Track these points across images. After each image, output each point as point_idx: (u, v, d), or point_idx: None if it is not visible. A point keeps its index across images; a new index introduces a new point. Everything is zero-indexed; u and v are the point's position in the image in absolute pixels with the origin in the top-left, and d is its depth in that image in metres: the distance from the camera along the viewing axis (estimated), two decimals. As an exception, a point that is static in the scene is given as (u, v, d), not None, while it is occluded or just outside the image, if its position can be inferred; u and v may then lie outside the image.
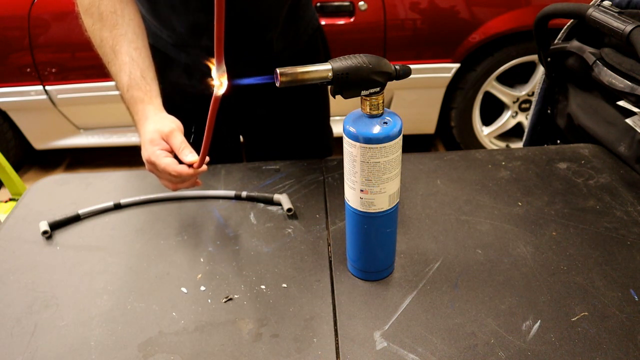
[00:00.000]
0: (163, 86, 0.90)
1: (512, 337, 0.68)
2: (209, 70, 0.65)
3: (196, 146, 0.81)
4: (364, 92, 0.64)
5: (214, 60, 0.64)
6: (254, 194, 0.97)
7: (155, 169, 0.82)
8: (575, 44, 1.12)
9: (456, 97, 2.39)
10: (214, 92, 0.67)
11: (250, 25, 0.99)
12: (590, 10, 0.98)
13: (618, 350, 0.66)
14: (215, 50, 0.62)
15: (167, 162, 0.80)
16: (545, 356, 0.66)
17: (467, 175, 1.01)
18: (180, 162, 0.81)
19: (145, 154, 0.82)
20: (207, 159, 0.81)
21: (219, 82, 0.66)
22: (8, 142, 2.51)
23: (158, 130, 0.81)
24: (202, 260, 0.84)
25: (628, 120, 1.00)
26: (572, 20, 1.14)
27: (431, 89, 2.36)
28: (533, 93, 2.38)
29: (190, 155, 0.80)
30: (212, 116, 0.71)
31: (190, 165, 0.80)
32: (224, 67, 0.65)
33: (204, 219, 0.94)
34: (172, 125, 0.82)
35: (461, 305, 0.73)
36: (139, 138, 0.85)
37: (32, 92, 2.29)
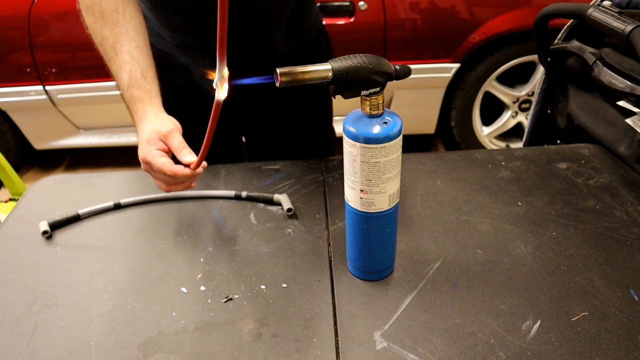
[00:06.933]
0: (163, 86, 0.90)
1: (512, 337, 0.68)
2: (211, 71, 0.65)
3: (195, 148, 0.81)
4: (364, 92, 0.64)
5: (214, 73, 0.64)
6: (254, 194, 0.97)
7: (150, 168, 0.82)
8: (575, 44, 1.12)
9: (456, 97, 2.39)
10: (215, 97, 0.67)
11: (253, 26, 0.99)
12: (590, 10, 0.98)
13: (618, 350, 0.66)
14: (217, 52, 0.62)
15: (162, 162, 0.80)
16: (545, 356, 0.66)
17: (467, 175, 1.01)
18: (177, 163, 0.81)
19: (141, 154, 0.82)
20: (205, 163, 0.81)
21: (220, 87, 0.66)
22: (8, 142, 2.51)
23: (156, 131, 0.81)
24: (202, 260, 0.84)
25: (628, 120, 1.00)
26: (572, 20, 1.14)
27: (431, 89, 2.36)
28: (533, 93, 2.38)
29: (189, 155, 0.80)
30: (213, 121, 0.70)
31: (187, 166, 0.80)
32: (225, 72, 0.65)
33: (204, 219, 0.94)
34: (171, 125, 0.82)
35: (461, 305, 0.73)
36: (137, 137, 0.85)
37: (32, 92, 2.29)
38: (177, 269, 0.83)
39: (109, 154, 2.81)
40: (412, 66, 0.70)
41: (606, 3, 0.99)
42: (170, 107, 0.88)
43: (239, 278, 0.80)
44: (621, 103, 1.02)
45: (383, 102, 0.66)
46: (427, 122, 2.49)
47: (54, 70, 2.25)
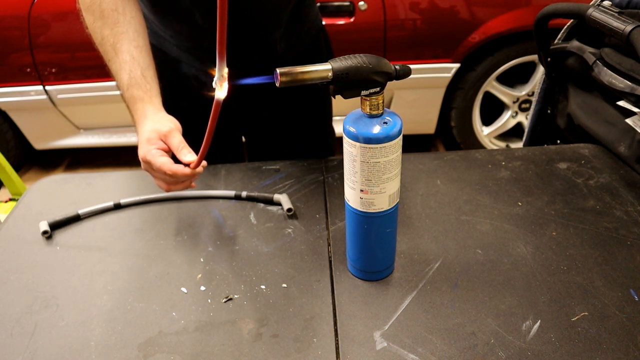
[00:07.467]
0: (163, 86, 0.90)
1: (512, 337, 0.68)
2: (210, 70, 0.65)
3: (195, 148, 0.81)
4: (364, 92, 0.64)
5: (215, 71, 0.64)
6: (254, 194, 0.97)
7: (150, 168, 0.82)
8: (575, 44, 1.12)
9: (456, 97, 2.39)
10: (215, 96, 0.67)
11: (253, 26, 0.99)
12: (590, 10, 0.98)
13: (618, 350, 0.66)
14: (217, 52, 0.62)
15: (162, 161, 0.80)
16: (545, 356, 0.66)
17: (467, 175, 1.01)
18: (177, 162, 0.81)
19: (141, 153, 0.82)
20: (205, 163, 0.81)
21: (220, 86, 0.66)
22: (8, 142, 2.51)
23: (156, 130, 0.81)
24: (202, 260, 0.84)
25: (628, 120, 1.00)
26: (572, 20, 1.14)
27: (431, 89, 2.36)
28: (533, 93, 2.38)
29: (189, 155, 0.80)
30: (213, 120, 0.71)
31: (187, 165, 0.80)
32: (225, 71, 0.65)
33: (204, 219, 0.94)
34: (171, 125, 0.82)
35: (461, 305, 0.73)
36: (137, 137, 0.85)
37: (32, 92, 2.29)
38: (177, 269, 0.83)
39: (109, 154, 2.81)
40: (412, 66, 0.70)
41: (606, 3, 0.99)
42: (170, 106, 0.88)
43: (239, 278, 0.80)
44: (621, 103, 1.02)
45: (383, 102, 0.66)
46: (427, 122, 2.49)
47: (54, 70, 2.25)
